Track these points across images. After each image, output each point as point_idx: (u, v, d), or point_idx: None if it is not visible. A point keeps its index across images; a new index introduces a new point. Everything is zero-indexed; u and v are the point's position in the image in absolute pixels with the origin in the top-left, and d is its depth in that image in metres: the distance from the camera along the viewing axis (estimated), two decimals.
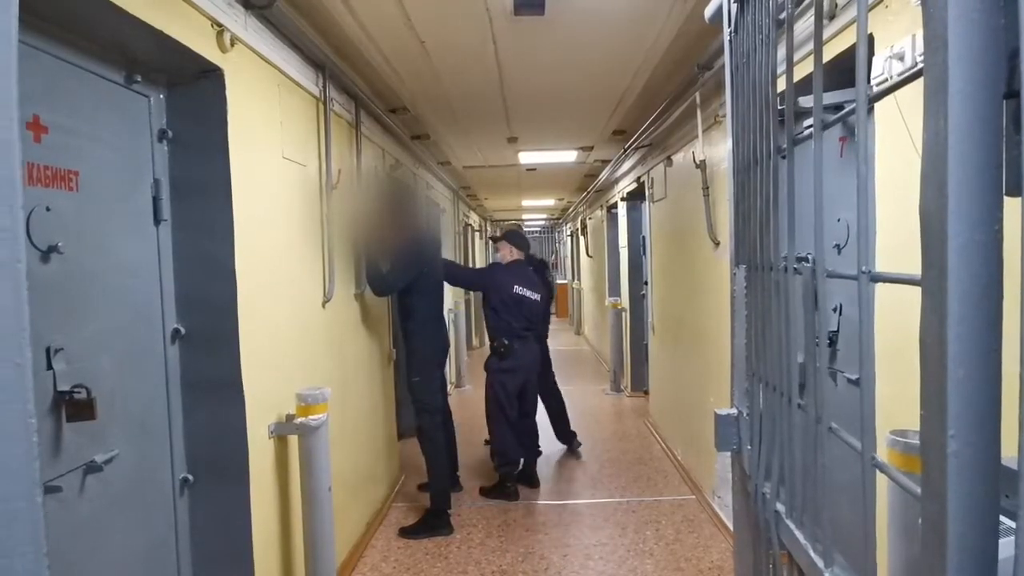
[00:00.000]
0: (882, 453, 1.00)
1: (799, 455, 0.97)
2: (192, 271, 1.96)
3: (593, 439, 5.21)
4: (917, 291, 0.58)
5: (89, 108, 1.64)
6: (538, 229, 16.95)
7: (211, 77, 1.93)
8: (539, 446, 4.42)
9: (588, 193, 8.57)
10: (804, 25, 2.02)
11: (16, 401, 0.53)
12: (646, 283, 6.01)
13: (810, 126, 0.87)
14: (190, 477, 1.99)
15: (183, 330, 1.96)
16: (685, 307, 4.23)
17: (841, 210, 2.11)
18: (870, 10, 1.66)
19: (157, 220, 1.90)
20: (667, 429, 5.02)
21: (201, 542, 2.01)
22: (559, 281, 13.54)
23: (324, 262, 2.89)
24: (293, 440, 2.38)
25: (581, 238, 11.10)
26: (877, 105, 1.68)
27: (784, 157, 0.99)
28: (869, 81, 1.47)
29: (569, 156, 6.26)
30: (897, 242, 1.68)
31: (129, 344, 1.77)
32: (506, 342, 3.97)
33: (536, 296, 4.08)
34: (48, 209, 1.48)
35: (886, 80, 1.65)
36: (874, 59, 1.70)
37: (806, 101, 1.62)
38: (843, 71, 1.72)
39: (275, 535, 2.30)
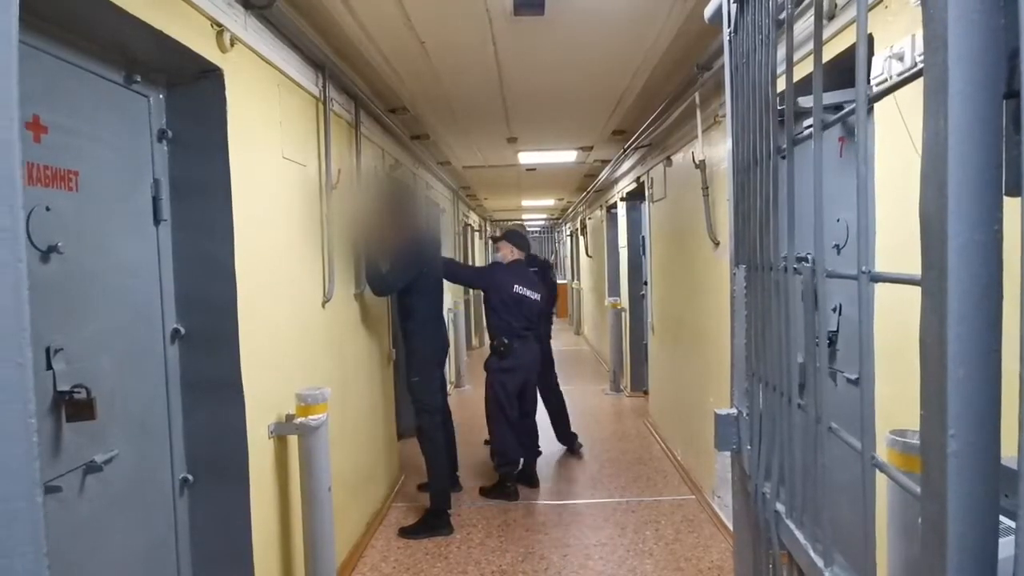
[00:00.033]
0: (882, 453, 1.00)
1: (799, 455, 0.97)
2: (192, 271, 1.96)
3: (593, 439, 5.21)
4: (916, 291, 0.58)
5: (89, 108, 1.64)
6: (538, 229, 16.94)
7: (211, 77, 1.93)
8: (539, 446, 4.43)
9: (588, 193, 8.57)
10: (804, 25, 2.02)
11: (16, 401, 0.53)
12: (646, 283, 6.01)
13: (810, 126, 0.87)
14: (190, 477, 1.99)
15: (183, 330, 1.96)
16: (684, 307, 4.23)
17: (840, 210, 2.11)
18: (869, 10, 1.66)
19: (157, 220, 1.90)
20: (667, 429, 5.02)
21: (201, 542, 2.01)
22: (559, 281, 13.53)
23: (324, 262, 2.89)
24: (293, 440, 2.38)
25: (581, 238, 11.10)
26: (876, 105, 1.68)
27: (784, 157, 0.99)
28: (869, 81, 1.48)
29: (569, 156, 6.27)
30: (896, 242, 1.68)
31: (129, 344, 1.77)
32: (506, 341, 3.97)
33: (536, 296, 4.08)
34: (48, 209, 1.48)
35: (885, 80, 1.65)
36: (873, 59, 1.70)
37: (806, 101, 1.62)
38: (843, 71, 1.72)
39: (275, 535, 2.29)
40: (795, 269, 0.95)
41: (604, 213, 8.05)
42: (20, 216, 0.55)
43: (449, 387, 5.11)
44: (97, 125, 1.66)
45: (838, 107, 1.80)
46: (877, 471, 0.74)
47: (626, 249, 6.73)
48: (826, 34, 1.96)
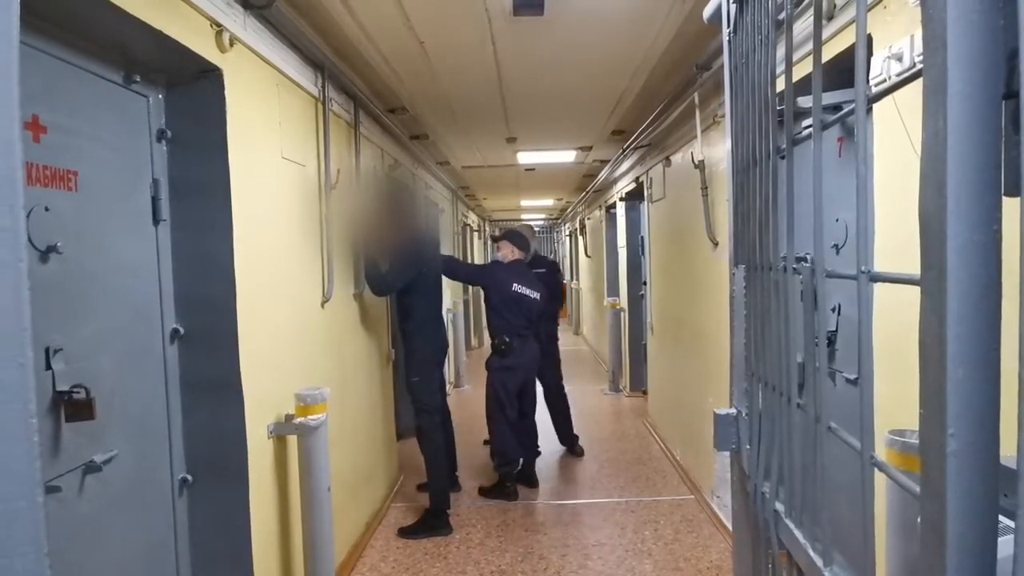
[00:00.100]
0: (881, 452, 1.00)
1: (798, 455, 0.97)
2: (191, 271, 1.96)
3: (592, 439, 5.21)
4: (915, 291, 0.58)
5: (88, 108, 1.64)
6: (537, 229, 16.95)
7: (210, 77, 1.93)
8: (538, 446, 4.43)
9: (587, 193, 8.57)
10: (803, 25, 2.02)
11: (17, 401, 0.53)
12: (645, 283, 6.02)
13: (809, 126, 0.87)
14: (189, 477, 1.99)
15: (182, 330, 1.96)
16: (684, 307, 4.24)
17: (839, 210, 2.12)
18: (868, 10, 1.67)
19: (156, 220, 1.90)
20: (666, 429, 5.02)
21: (200, 542, 2.01)
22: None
23: (323, 262, 2.89)
24: (292, 440, 2.38)
25: (580, 238, 11.10)
26: (875, 105, 1.68)
27: (783, 157, 0.99)
28: (868, 81, 1.48)
29: (568, 156, 6.27)
30: (895, 242, 1.69)
31: (128, 344, 1.77)
32: (507, 340, 3.97)
33: (535, 295, 4.08)
34: (47, 209, 1.48)
35: (884, 80, 1.66)
36: (872, 59, 1.71)
37: (805, 101, 1.62)
38: (842, 71, 1.72)
39: (274, 535, 2.29)
40: (794, 269, 0.95)
41: (603, 213, 8.05)
42: (21, 216, 0.55)
43: (448, 387, 5.11)
44: (96, 125, 1.66)
45: (837, 107, 1.80)
46: (876, 471, 0.74)
47: (625, 249, 6.73)
48: (825, 34, 1.96)
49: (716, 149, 3.33)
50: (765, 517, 1.11)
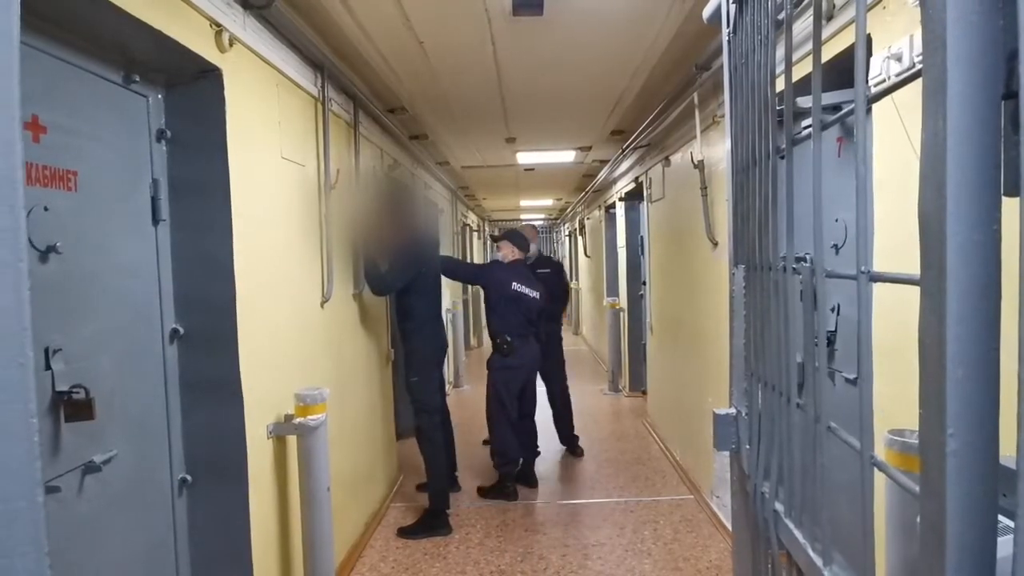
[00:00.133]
0: (880, 452, 1.00)
1: (798, 454, 0.97)
2: (191, 271, 1.96)
3: (591, 439, 5.21)
4: (914, 291, 0.58)
5: (88, 108, 1.64)
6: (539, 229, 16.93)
7: (210, 77, 1.93)
8: (538, 446, 4.43)
9: (586, 193, 8.57)
10: (802, 25, 2.02)
11: (18, 401, 0.53)
12: (644, 283, 6.02)
13: (808, 126, 0.87)
14: (189, 477, 1.99)
15: (182, 330, 1.96)
16: (683, 307, 4.24)
17: (839, 210, 2.12)
18: (868, 11, 1.67)
19: (156, 220, 1.90)
20: (665, 429, 5.02)
21: (200, 542, 2.01)
22: None
23: (323, 262, 2.89)
24: (292, 440, 2.38)
25: (579, 238, 11.10)
26: (874, 106, 1.68)
27: (783, 157, 0.99)
28: (867, 82, 1.48)
29: (567, 156, 6.27)
30: (894, 243, 1.69)
31: (128, 344, 1.77)
32: (509, 339, 3.97)
33: (535, 294, 4.08)
34: (46, 209, 1.48)
35: (884, 80, 1.66)
36: (871, 60, 1.71)
37: (804, 101, 1.62)
38: (841, 71, 1.72)
39: (274, 535, 2.29)
40: (794, 269, 0.95)
41: (602, 213, 8.05)
42: (21, 216, 0.55)
43: (448, 387, 5.11)
44: (96, 125, 1.66)
45: (836, 107, 1.80)
46: (876, 470, 0.74)
47: (624, 249, 6.74)
48: (825, 34, 1.96)
49: (715, 149, 3.33)
50: (765, 517, 1.11)
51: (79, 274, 1.59)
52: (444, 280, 4.23)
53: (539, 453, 4.46)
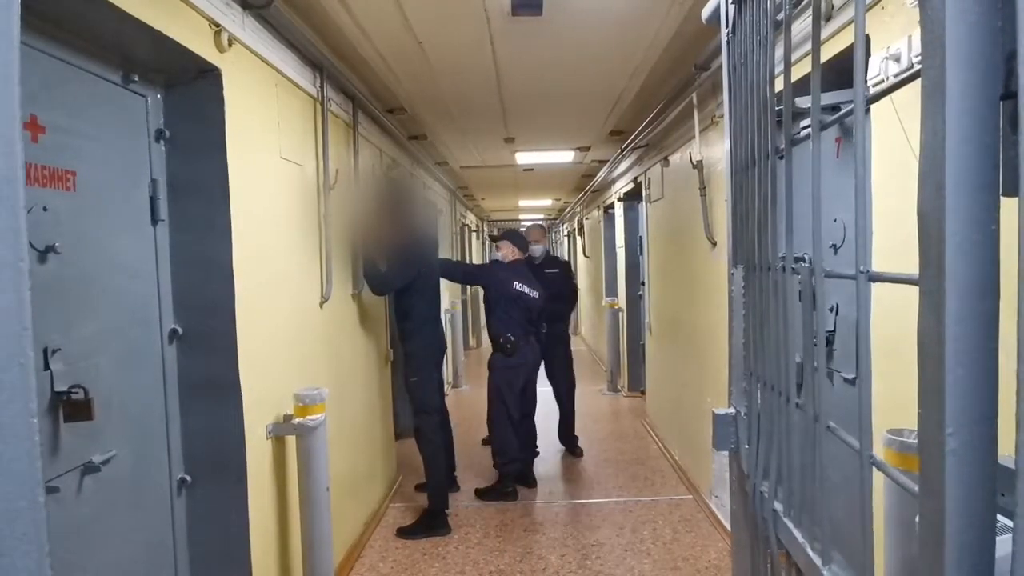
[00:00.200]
0: (879, 452, 1.00)
1: (797, 454, 0.97)
2: (190, 271, 1.96)
3: (590, 439, 5.21)
4: (913, 290, 0.59)
5: (87, 108, 1.64)
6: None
7: (209, 77, 1.93)
8: (537, 446, 4.43)
9: (585, 193, 8.58)
10: (802, 26, 2.03)
11: (18, 401, 0.53)
12: (643, 283, 6.02)
13: (807, 127, 0.87)
14: (187, 478, 1.99)
15: (181, 330, 1.96)
16: (682, 307, 4.24)
17: (838, 210, 2.12)
18: (867, 11, 1.67)
19: (154, 220, 1.89)
20: (664, 429, 5.02)
21: (198, 543, 2.01)
22: None
23: (322, 262, 2.89)
24: (291, 440, 2.38)
25: (578, 238, 11.10)
26: (873, 106, 1.68)
27: (782, 157, 1.00)
28: (866, 82, 1.48)
29: (566, 156, 6.27)
30: (893, 242, 1.69)
31: (127, 344, 1.77)
32: (511, 338, 3.97)
33: (535, 293, 4.08)
34: (45, 209, 1.48)
35: (883, 81, 1.66)
36: (870, 60, 1.71)
37: (803, 102, 1.62)
38: (840, 72, 1.72)
39: (273, 535, 2.29)
40: (793, 269, 0.95)
41: (601, 213, 8.05)
42: (22, 216, 0.55)
43: (447, 387, 5.11)
44: (95, 125, 1.66)
45: (835, 108, 1.81)
46: (875, 470, 0.74)
47: (623, 249, 6.74)
48: (824, 35, 1.97)
49: (714, 149, 3.34)
50: (764, 516, 1.11)
51: (78, 274, 1.59)
52: (443, 281, 4.22)
53: (538, 453, 4.46)
